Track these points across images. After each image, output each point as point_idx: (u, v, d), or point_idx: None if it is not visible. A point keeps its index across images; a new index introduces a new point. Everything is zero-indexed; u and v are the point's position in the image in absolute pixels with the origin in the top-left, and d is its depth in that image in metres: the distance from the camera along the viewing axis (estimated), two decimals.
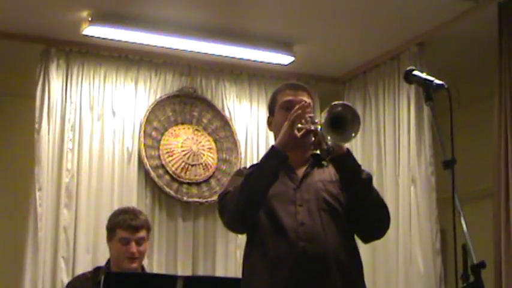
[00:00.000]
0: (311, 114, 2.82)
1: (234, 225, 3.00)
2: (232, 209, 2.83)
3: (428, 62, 5.45)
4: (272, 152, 2.82)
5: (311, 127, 2.76)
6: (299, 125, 2.77)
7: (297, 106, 2.86)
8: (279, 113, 3.05)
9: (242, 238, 5.81)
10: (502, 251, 4.70)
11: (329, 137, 2.68)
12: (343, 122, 2.70)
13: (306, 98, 3.03)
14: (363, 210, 2.85)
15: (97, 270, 3.98)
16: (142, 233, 3.93)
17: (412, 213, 5.43)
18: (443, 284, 5.28)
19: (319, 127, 2.72)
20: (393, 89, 5.81)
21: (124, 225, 3.91)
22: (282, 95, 3.07)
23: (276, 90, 3.15)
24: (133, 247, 3.88)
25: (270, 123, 3.14)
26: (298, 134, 2.77)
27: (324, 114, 2.69)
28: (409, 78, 2.64)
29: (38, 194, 5.29)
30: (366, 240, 3.00)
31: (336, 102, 2.74)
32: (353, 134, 2.71)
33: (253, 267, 2.88)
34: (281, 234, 2.81)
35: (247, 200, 2.79)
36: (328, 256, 2.77)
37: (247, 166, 3.32)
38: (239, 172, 3.09)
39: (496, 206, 4.81)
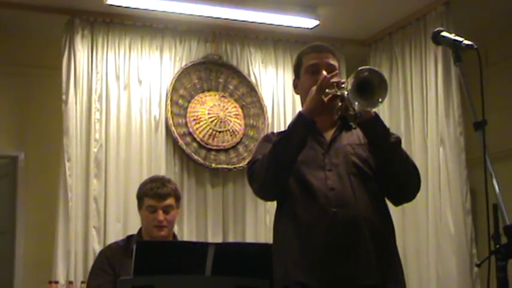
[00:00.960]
0: (337, 79, 2.79)
1: (264, 194, 3.00)
2: (262, 178, 2.82)
3: (455, 21, 5.38)
4: (299, 119, 2.80)
5: (337, 92, 2.74)
6: (326, 90, 2.75)
7: (324, 73, 2.83)
8: (304, 77, 3.02)
9: (271, 203, 5.81)
10: None
11: (356, 103, 2.65)
12: (370, 87, 2.66)
13: (331, 61, 3.00)
14: (392, 173, 2.82)
15: (129, 238, 4.01)
16: (169, 201, 3.94)
17: (441, 174, 5.40)
18: (474, 244, 5.26)
19: (346, 92, 2.70)
20: (420, 50, 5.76)
21: (151, 194, 3.93)
22: (307, 58, 3.03)
23: (301, 52, 3.11)
24: (161, 215, 3.89)
25: (296, 86, 3.11)
26: (325, 99, 2.75)
27: (351, 80, 2.66)
28: (438, 39, 2.58)
29: (67, 164, 5.33)
30: (397, 202, 2.99)
31: (362, 67, 2.70)
32: (380, 100, 2.67)
33: (284, 233, 2.87)
34: (311, 200, 2.80)
35: (276, 168, 2.78)
36: (359, 220, 2.76)
37: (275, 131, 3.29)
38: (267, 138, 3.07)
39: None
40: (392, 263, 2.86)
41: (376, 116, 2.79)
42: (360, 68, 2.69)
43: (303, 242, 2.77)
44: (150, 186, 3.97)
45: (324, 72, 2.87)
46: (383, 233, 2.84)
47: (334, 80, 2.78)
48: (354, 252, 2.74)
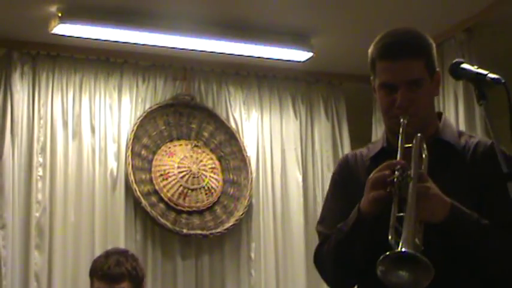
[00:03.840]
0: (402, 164, 2.52)
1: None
2: (330, 275, 2.72)
3: (478, 51, 5.39)
4: (360, 223, 2.57)
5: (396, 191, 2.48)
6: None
7: (384, 169, 2.61)
8: (380, 92, 2.70)
9: (257, 278, 5.76)
10: None
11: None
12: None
13: (412, 73, 2.66)
14: (479, 262, 2.56)
15: None
16: (122, 285, 3.86)
17: None
18: None
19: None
20: None
21: (99, 274, 3.87)
22: (381, 67, 2.70)
23: (375, 49, 2.74)
24: None
25: (374, 88, 2.77)
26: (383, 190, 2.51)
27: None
28: (457, 72, 2.53)
29: (1, 233, 5.27)
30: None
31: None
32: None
33: None
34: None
35: (343, 271, 2.67)
36: None
37: (353, 152, 3.00)
38: (338, 180, 2.86)
39: None
40: None
41: (451, 216, 2.48)
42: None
43: None
44: (100, 264, 3.92)
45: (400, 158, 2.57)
46: None
47: (399, 166, 2.51)
48: None
